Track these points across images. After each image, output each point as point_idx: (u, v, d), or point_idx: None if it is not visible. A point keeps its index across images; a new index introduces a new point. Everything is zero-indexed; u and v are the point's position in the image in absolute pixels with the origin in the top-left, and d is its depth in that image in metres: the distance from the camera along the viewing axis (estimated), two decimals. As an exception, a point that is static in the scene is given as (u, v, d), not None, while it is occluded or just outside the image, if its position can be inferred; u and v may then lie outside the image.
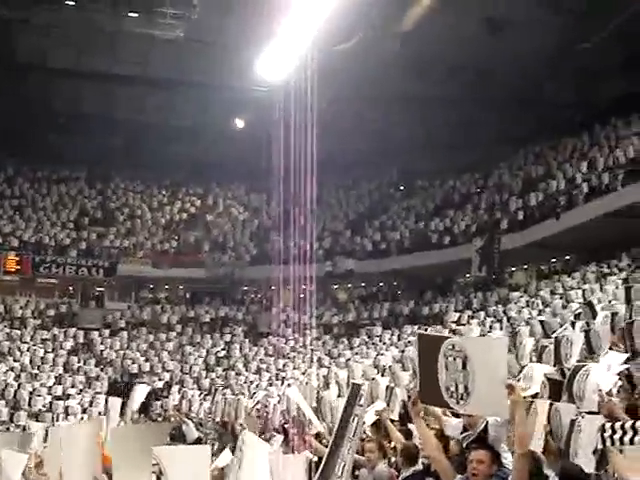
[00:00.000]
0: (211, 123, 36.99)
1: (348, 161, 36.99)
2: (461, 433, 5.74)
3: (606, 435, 5.01)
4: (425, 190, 39.48)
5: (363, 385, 6.36)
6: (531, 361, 11.97)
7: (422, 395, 5.10)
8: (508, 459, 5.09)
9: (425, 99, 33.78)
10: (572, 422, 5.77)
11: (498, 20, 29.93)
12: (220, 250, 38.00)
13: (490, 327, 21.76)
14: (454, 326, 25.22)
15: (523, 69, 31.92)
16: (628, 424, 4.89)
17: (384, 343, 28.02)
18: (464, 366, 4.68)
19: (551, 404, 6.65)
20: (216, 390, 24.89)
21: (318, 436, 9.46)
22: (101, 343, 32.97)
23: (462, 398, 4.70)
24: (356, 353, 27.31)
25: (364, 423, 7.58)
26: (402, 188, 40.88)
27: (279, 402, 15.87)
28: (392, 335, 28.91)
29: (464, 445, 5.52)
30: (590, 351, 10.79)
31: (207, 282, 37.11)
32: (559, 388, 8.65)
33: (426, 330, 26.73)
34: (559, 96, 34.24)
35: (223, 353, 32.43)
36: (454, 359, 4.73)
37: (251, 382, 27.96)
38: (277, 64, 26.18)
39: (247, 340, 33.80)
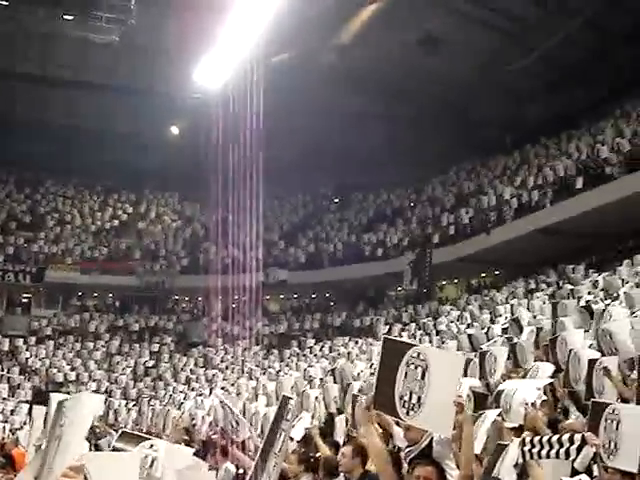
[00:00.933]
0: (146, 129, 36.57)
1: (283, 172, 36.98)
2: (406, 447, 5.67)
3: (526, 449, 5.06)
4: (359, 203, 39.79)
5: (292, 399, 6.28)
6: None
7: (376, 400, 4.98)
8: (454, 475, 5.02)
9: (361, 114, 34.07)
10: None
11: (433, 39, 30.41)
12: (151, 258, 37.52)
13: (420, 340, 21.92)
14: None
15: (457, 87, 32.47)
16: (545, 438, 4.96)
17: (315, 355, 28.00)
18: (423, 376, 4.65)
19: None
20: (143, 400, 24.49)
21: (244, 447, 9.37)
22: (26, 350, 32.16)
23: (413, 409, 4.65)
24: (287, 365, 27.21)
25: (291, 439, 7.52)
26: (336, 200, 41.12)
27: (208, 414, 15.69)
28: (323, 347, 28.91)
29: (407, 460, 5.42)
30: (516, 365, 10.98)
31: (137, 290, 36.58)
32: (484, 401, 8.76)
33: (357, 343, 26.96)
34: (491, 115, 34.92)
35: (152, 363, 31.98)
36: (415, 367, 4.68)
37: (180, 392, 27.59)
38: (215, 72, 26.08)
39: (177, 350, 33.42)
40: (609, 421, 4.95)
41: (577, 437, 4.76)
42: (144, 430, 16.96)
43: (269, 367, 27.81)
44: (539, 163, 29.78)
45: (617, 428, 4.88)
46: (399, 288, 33.43)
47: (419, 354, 4.70)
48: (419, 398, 4.63)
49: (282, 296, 37.00)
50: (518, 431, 6.63)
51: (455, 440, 4.93)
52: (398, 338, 6.33)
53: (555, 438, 4.99)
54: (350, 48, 30.30)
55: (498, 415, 7.02)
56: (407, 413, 4.67)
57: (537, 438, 5.09)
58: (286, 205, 41.52)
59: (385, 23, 28.80)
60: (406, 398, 4.68)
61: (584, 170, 25.17)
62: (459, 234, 30.31)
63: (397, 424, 6.13)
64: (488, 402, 8.62)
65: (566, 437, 4.86)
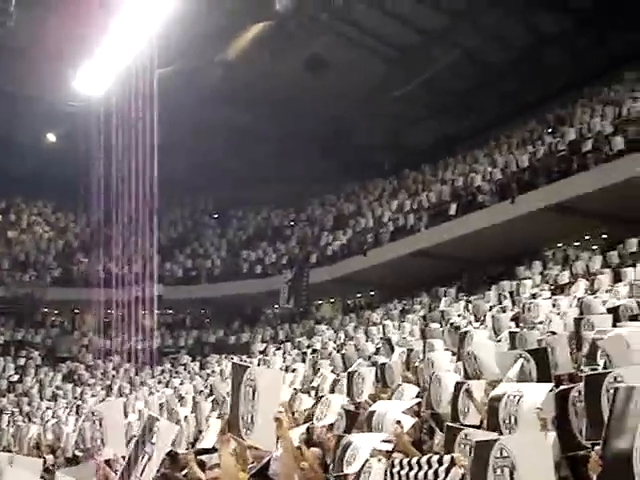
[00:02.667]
0: (21, 135, 35.25)
1: (163, 185, 36.40)
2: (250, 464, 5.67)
3: (395, 470, 5.12)
4: (239, 220, 39.63)
5: (158, 420, 6.11)
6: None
7: (229, 423, 5.02)
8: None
9: (245, 131, 34.01)
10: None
11: (319, 61, 30.82)
12: (21, 269, 36.06)
13: (294, 359, 22.01)
14: (261, 356, 25.32)
15: (342, 110, 32.96)
16: (414, 460, 5.04)
17: (189, 372, 27.61)
18: (253, 396, 4.71)
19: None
20: (2, 417, 23.42)
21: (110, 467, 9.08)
22: None
23: (249, 429, 4.70)
24: (159, 382, 26.70)
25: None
26: (216, 216, 40.80)
27: (74, 431, 15.17)
28: (197, 364, 28.57)
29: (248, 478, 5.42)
30: (384, 385, 11.15)
31: (4, 302, 35.05)
32: (355, 419, 8.85)
33: (232, 359, 26.76)
34: (372, 138, 35.63)
35: (17, 377, 30.65)
36: (248, 388, 4.74)
37: (47, 409, 26.57)
38: (96, 80, 25.50)
39: (44, 364, 32.17)
40: (462, 445, 5.09)
41: (446, 458, 4.86)
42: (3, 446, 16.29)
43: (141, 384, 27.21)
44: (416, 188, 30.56)
45: (471, 453, 5.02)
46: (276, 306, 33.46)
47: (250, 374, 4.79)
48: (252, 417, 4.71)
49: (157, 311, 36.28)
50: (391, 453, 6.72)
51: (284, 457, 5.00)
52: (241, 362, 6.38)
53: (424, 459, 5.06)
54: (237, 66, 30.27)
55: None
56: (246, 433, 4.74)
57: (406, 460, 5.15)
58: (164, 219, 40.84)
59: (273, 42, 28.97)
60: (245, 418, 4.75)
61: (458, 197, 26.02)
62: (337, 254, 30.68)
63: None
64: (359, 422, 8.71)
65: (435, 458, 4.95)
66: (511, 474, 3.92)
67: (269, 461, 5.15)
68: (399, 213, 28.88)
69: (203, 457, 8.49)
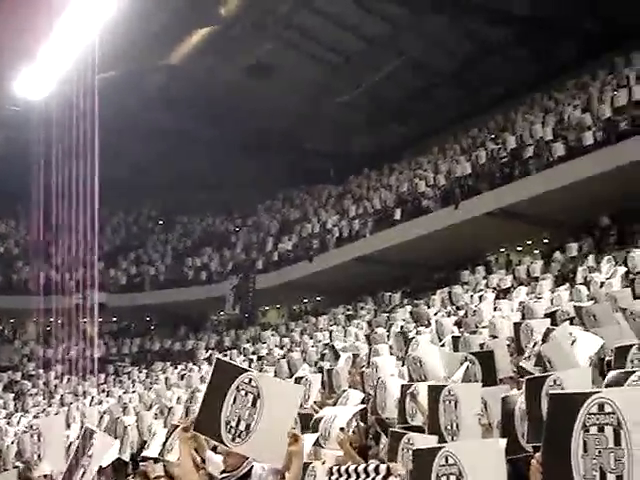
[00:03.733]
0: (-43, 140, 34.43)
1: (106, 191, 35.88)
2: (221, 473, 5.53)
3: (333, 478, 5.09)
4: (184, 226, 39.31)
5: (95, 432, 6.00)
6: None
7: (198, 422, 4.77)
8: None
9: (191, 137, 33.76)
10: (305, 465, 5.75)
11: (264, 67, 30.80)
12: (-42, 276, 35.20)
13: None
14: (206, 364, 25.12)
15: (287, 116, 32.98)
16: (352, 467, 5.02)
17: (133, 381, 27.25)
18: (254, 403, 4.52)
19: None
20: None
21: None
22: None
23: (239, 436, 4.51)
24: (102, 391, 26.29)
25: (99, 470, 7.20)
26: (161, 222, 40.40)
27: (12, 442, 14.84)
28: (141, 372, 28.21)
29: None
30: (331, 391, 11.15)
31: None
32: (308, 422, 8.82)
33: (176, 368, 26.51)
34: (318, 145, 35.72)
35: (-47, 388, 29.87)
36: (246, 394, 4.54)
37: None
38: (36, 84, 25.04)
39: (-17, 375, 31.41)
40: (405, 450, 5.11)
41: (382, 467, 4.85)
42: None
43: (83, 393, 26.76)
44: (361, 194, 30.72)
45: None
46: (221, 313, 33.27)
47: (251, 380, 4.57)
48: (247, 425, 4.51)
49: (100, 319, 35.77)
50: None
51: (283, 471, 4.87)
52: (231, 361, 6.10)
53: (362, 467, 5.04)
54: (181, 70, 30.07)
55: (316, 442, 7.08)
56: (233, 439, 4.54)
57: (344, 467, 5.13)
58: (108, 225, 40.28)
59: (217, 47, 28.84)
60: (233, 424, 4.54)
61: (402, 202, 26.23)
62: (283, 260, 30.66)
63: (214, 449, 6.01)
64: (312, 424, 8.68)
65: (372, 467, 4.94)
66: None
67: (249, 472, 5.00)
68: (344, 219, 28.98)
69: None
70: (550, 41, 28.06)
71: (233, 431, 4.52)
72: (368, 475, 4.85)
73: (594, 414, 3.20)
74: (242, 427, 4.50)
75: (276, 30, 29.79)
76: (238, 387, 4.56)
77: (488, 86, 29.75)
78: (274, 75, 30.95)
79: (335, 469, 5.13)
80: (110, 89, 28.48)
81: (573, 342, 7.79)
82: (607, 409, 3.17)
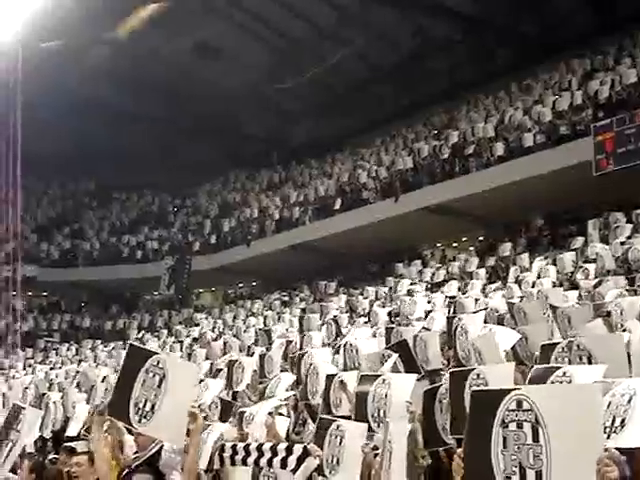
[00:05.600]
0: None
1: (43, 164, 35.17)
2: (134, 454, 5.52)
3: (226, 455, 5.15)
4: (121, 203, 38.71)
5: (24, 409, 5.95)
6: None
7: (111, 406, 4.89)
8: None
9: (131, 114, 33.21)
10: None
11: (209, 47, 30.54)
12: None
13: (171, 347, 21.75)
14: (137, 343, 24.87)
15: (230, 99, 32.75)
16: (253, 446, 5.07)
17: (61, 357, 26.84)
18: (160, 384, 4.58)
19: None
20: None
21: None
22: None
23: (145, 417, 4.57)
24: (29, 365, 25.85)
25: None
26: (97, 198, 39.67)
27: None
28: (70, 349, 27.79)
29: (132, 466, 5.29)
30: (262, 375, 11.18)
31: None
32: (230, 409, 8.83)
33: (105, 346, 26.21)
34: (260, 129, 35.56)
35: None
36: (153, 375, 4.61)
37: None
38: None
39: None
40: (333, 436, 5.17)
41: (297, 447, 4.91)
42: None
43: (9, 367, 26.26)
44: (303, 181, 30.73)
45: (340, 443, 5.11)
46: (155, 293, 32.95)
47: (159, 362, 4.65)
48: (152, 406, 4.58)
49: (30, 293, 35.08)
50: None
51: (186, 451, 4.91)
52: (143, 346, 6.15)
53: (267, 446, 5.08)
54: (126, 45, 29.59)
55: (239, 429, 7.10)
56: (139, 420, 4.61)
57: (241, 445, 5.18)
58: (43, 198, 39.47)
59: (163, 24, 28.46)
60: (140, 405, 4.61)
61: (343, 192, 26.33)
62: (220, 243, 30.50)
63: (130, 432, 6.01)
64: (233, 410, 8.69)
65: (282, 446, 4.99)
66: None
67: (160, 452, 5.01)
68: (285, 205, 28.95)
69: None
70: (496, 42, 28.49)
71: (140, 412, 4.61)
72: (276, 454, 4.88)
73: (513, 410, 3.27)
74: (148, 408, 4.59)
75: (225, 10, 29.55)
76: (147, 369, 4.65)
77: (433, 82, 29.98)
78: (220, 57, 30.70)
79: (228, 445, 5.16)
80: (51, 62, 27.93)
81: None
82: (525, 406, 3.25)
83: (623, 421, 4.07)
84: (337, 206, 25.98)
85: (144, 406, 4.60)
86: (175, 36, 29.27)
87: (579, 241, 18.12)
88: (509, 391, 3.34)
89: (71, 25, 26.69)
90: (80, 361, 23.29)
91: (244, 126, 35.55)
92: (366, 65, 31.51)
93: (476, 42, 28.80)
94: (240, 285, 32.31)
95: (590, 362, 5.63)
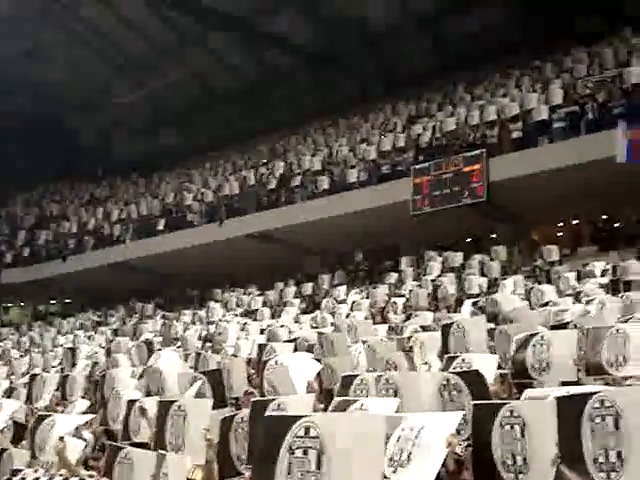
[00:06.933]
0: None
1: None
2: None
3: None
4: None
5: None
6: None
7: None
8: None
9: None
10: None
11: (43, 53, 29.49)
12: None
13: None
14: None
15: (59, 107, 31.65)
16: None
17: None
18: None
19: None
20: None
21: None
22: None
23: None
24: None
25: None
26: None
27: None
28: None
29: None
30: (64, 397, 10.69)
31: None
32: (24, 432, 8.35)
33: None
34: (88, 142, 34.59)
35: None
36: None
37: None
38: None
39: None
40: (122, 466, 4.98)
41: None
42: None
43: None
44: (127, 198, 30.00)
45: (129, 473, 4.92)
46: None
47: None
48: None
49: None
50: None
51: None
52: None
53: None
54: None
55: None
56: None
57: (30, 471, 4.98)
58: None
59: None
60: None
61: (168, 212, 25.94)
62: (34, 256, 29.12)
63: None
64: (27, 433, 8.24)
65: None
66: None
67: None
68: (106, 221, 28.09)
69: None
70: (331, 77, 29.23)
71: None
72: None
73: (300, 437, 3.30)
74: None
75: (62, 19, 28.66)
76: None
77: (267, 110, 30.34)
78: (53, 64, 29.66)
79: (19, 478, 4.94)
80: None
81: (294, 368, 8.05)
82: (312, 433, 3.27)
83: (410, 455, 4.17)
84: (161, 226, 25.53)
85: None
86: (9, 39, 27.97)
87: (393, 277, 18.73)
88: (299, 417, 3.36)
89: None
90: None
91: (73, 136, 34.42)
92: (205, 88, 31.41)
93: (314, 77, 29.44)
94: (53, 301, 30.96)
95: (396, 396, 5.72)
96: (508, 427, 4.22)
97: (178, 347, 14.88)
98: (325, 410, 5.89)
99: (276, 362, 8.65)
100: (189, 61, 29.92)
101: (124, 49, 30.42)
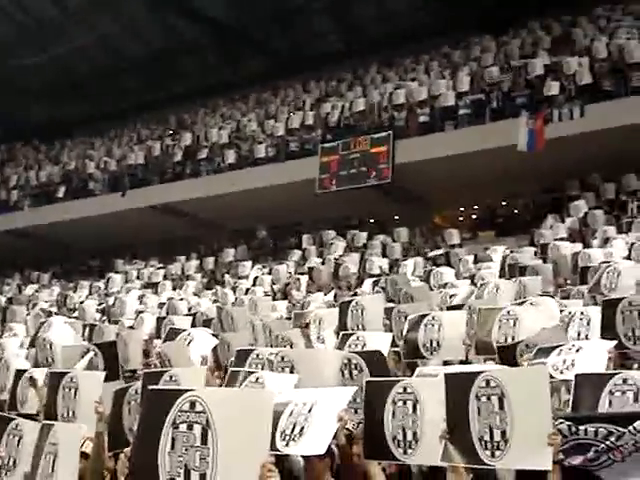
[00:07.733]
0: None
1: None
2: None
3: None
4: None
5: None
6: None
7: None
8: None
9: None
10: None
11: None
12: None
13: None
14: None
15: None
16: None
17: None
18: None
19: None
20: None
21: None
22: None
23: None
24: None
25: None
26: None
27: None
28: None
29: None
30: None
31: None
32: None
33: None
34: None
35: None
36: None
37: None
38: None
39: None
40: (11, 436, 4.83)
41: None
42: None
43: None
44: (26, 164, 29.02)
45: (18, 444, 4.78)
46: None
47: None
48: None
49: None
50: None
51: None
52: None
53: None
54: None
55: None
56: None
57: None
58: None
59: None
60: None
61: (69, 180, 25.22)
62: None
63: None
64: None
65: None
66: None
67: None
68: (3, 186, 27.10)
69: None
70: (241, 52, 28.86)
71: None
72: None
73: (185, 412, 3.24)
74: None
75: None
76: None
77: (175, 82, 29.77)
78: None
79: None
80: None
81: (190, 342, 8.03)
82: (198, 407, 3.22)
83: (302, 429, 4.18)
84: (61, 194, 24.80)
85: None
86: None
87: (297, 254, 18.79)
88: (184, 392, 3.30)
89: None
90: None
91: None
92: (112, 55, 30.51)
93: (223, 49, 28.99)
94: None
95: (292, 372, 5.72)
96: (401, 403, 4.32)
97: (75, 318, 14.57)
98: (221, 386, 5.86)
99: (173, 334, 8.61)
100: (97, 27, 29.01)
101: (30, 11, 29.27)
